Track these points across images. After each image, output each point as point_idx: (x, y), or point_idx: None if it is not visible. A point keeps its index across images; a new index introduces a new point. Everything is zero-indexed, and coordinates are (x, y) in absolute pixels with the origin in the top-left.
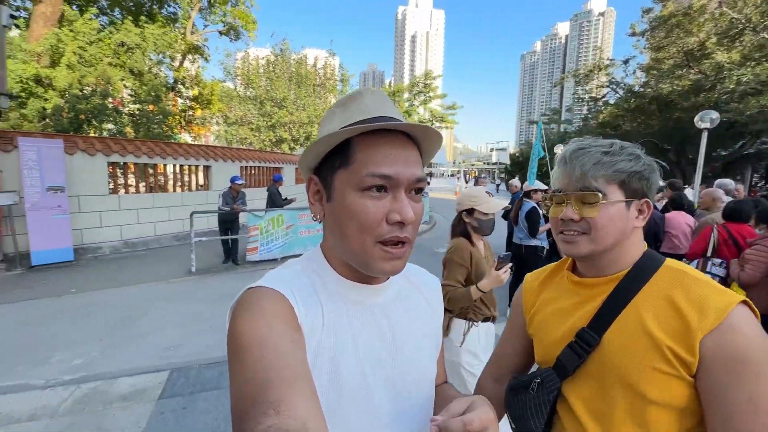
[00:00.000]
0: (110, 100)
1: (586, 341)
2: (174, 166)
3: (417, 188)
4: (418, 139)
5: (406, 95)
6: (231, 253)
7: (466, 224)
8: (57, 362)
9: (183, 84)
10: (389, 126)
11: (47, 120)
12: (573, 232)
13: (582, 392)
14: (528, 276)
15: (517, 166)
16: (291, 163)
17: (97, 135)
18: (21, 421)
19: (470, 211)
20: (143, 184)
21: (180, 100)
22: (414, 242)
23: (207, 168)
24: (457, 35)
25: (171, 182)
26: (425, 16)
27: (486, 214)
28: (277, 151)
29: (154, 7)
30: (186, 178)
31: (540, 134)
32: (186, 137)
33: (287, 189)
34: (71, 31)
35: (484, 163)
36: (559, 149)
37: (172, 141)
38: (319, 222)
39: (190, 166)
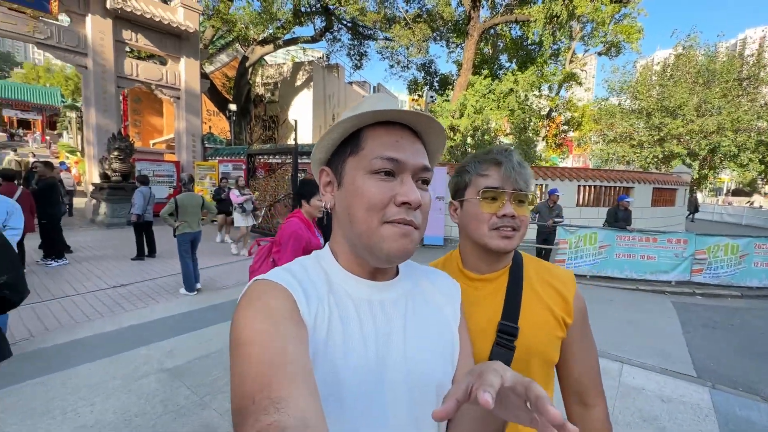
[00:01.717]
0: (492, 134)
1: (509, 333)
2: None
3: (424, 178)
4: (422, 134)
5: None
6: None
7: None
8: None
9: (556, 111)
10: (394, 117)
11: (450, 154)
12: (509, 228)
13: None
14: None
15: None
16: (646, 182)
17: None
18: None
19: None
20: None
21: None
22: (423, 231)
23: (540, 186)
24: None
25: None
26: None
27: None
28: (647, 171)
29: (540, 49)
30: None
31: None
32: (555, 159)
33: (640, 211)
34: (474, 91)
35: None
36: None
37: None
38: (330, 211)
39: None
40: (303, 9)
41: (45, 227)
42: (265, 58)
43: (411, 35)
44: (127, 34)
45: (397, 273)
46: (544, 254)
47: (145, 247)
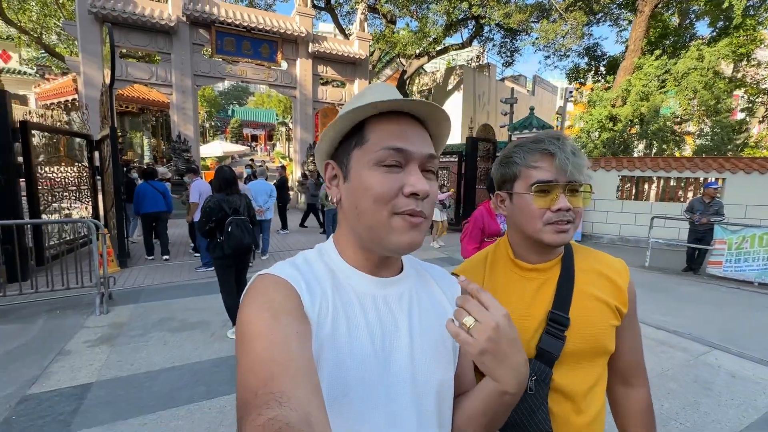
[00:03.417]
0: (662, 122)
1: (560, 323)
2: (671, 179)
3: (430, 167)
4: (426, 122)
5: None
6: (692, 263)
7: None
8: None
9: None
10: (395, 107)
11: (607, 147)
12: (565, 222)
13: (563, 371)
14: (463, 272)
15: None
16: None
17: (649, 154)
18: None
19: None
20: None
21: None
22: (430, 221)
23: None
24: None
25: (664, 192)
26: None
27: None
28: None
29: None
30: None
31: None
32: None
33: None
34: (642, 74)
35: None
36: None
37: (672, 156)
38: (336, 205)
39: (687, 178)
40: (453, 20)
41: (281, 208)
42: (424, 67)
43: (557, 28)
44: (320, 68)
45: (401, 269)
46: (697, 256)
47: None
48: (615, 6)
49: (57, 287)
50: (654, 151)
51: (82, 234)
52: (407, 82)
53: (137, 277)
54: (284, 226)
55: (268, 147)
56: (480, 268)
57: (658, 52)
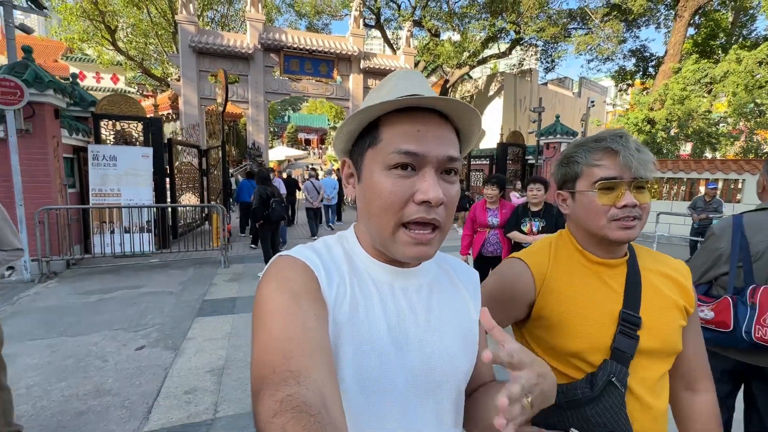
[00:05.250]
0: (697, 125)
1: (632, 323)
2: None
3: (449, 168)
4: (453, 118)
5: None
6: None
7: None
8: None
9: None
10: (412, 103)
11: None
12: (631, 218)
13: (637, 371)
14: (527, 256)
15: None
16: None
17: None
18: None
19: None
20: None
21: None
22: (447, 228)
23: (736, 181)
24: None
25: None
26: None
27: None
28: None
29: None
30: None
31: None
32: None
33: None
34: (680, 78)
35: None
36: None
37: (694, 159)
38: (352, 205)
39: (706, 179)
40: (490, 36)
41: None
42: (469, 72)
43: (590, 41)
44: (370, 82)
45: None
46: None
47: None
48: (656, 8)
49: (191, 250)
50: (695, 152)
51: (197, 218)
52: (449, 89)
53: (238, 248)
54: (339, 218)
55: (321, 150)
56: (546, 251)
57: (695, 56)
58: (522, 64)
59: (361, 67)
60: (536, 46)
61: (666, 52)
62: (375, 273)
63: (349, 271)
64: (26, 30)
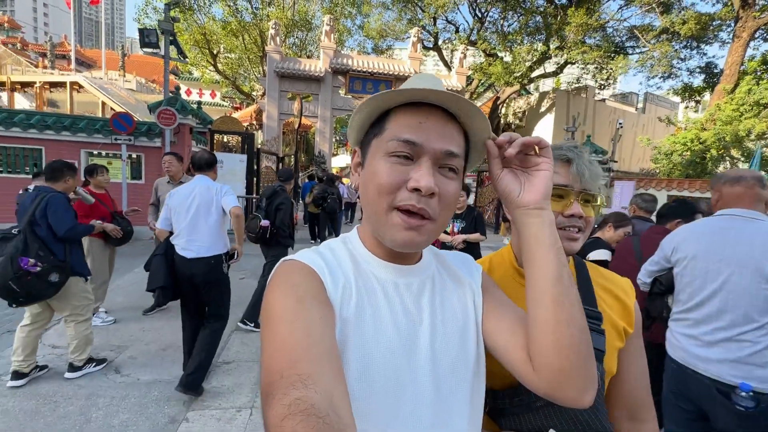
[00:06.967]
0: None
1: (594, 317)
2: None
3: (450, 166)
4: (461, 119)
5: None
6: None
7: None
8: None
9: None
10: (415, 95)
11: (686, 168)
12: (575, 230)
13: None
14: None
15: None
16: None
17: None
18: None
19: None
20: None
21: None
22: (441, 222)
23: None
24: None
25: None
26: None
27: None
28: None
29: None
30: None
31: None
32: None
33: None
34: (733, 98)
35: None
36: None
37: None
38: (356, 192)
39: None
40: (538, 58)
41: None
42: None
43: (642, 61)
44: None
45: (420, 258)
46: None
47: None
48: (711, 29)
49: None
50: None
51: None
52: (500, 105)
53: (300, 235)
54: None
55: None
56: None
57: (748, 78)
58: (579, 81)
59: None
60: (589, 64)
61: (722, 71)
62: (379, 272)
63: (354, 271)
64: (175, 73)
